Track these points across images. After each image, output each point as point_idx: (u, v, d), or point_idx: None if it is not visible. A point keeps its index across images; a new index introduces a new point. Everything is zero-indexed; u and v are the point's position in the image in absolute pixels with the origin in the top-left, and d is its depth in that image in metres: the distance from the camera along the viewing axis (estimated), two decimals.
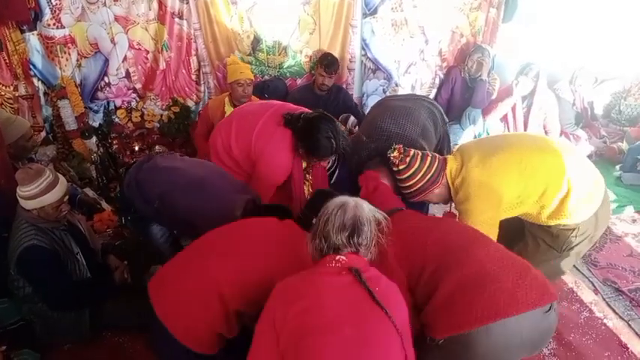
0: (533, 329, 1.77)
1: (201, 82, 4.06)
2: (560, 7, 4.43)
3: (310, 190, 3.06)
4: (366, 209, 1.72)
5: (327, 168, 3.09)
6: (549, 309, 1.79)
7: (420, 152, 2.49)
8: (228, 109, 3.51)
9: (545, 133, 4.15)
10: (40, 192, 2.30)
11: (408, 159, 2.44)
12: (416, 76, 4.57)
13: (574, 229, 2.40)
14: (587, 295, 3.02)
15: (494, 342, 1.72)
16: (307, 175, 3.05)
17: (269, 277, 1.81)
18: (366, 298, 1.57)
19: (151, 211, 2.61)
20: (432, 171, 2.45)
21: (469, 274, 1.79)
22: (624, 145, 4.35)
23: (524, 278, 1.78)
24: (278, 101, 3.05)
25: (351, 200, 1.73)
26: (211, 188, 2.51)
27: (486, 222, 2.33)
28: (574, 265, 3.23)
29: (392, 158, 2.45)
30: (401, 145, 2.49)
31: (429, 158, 2.47)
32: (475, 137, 4.33)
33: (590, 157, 4.30)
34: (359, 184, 2.59)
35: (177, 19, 3.76)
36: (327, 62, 3.94)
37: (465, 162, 2.43)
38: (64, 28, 3.55)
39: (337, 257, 1.66)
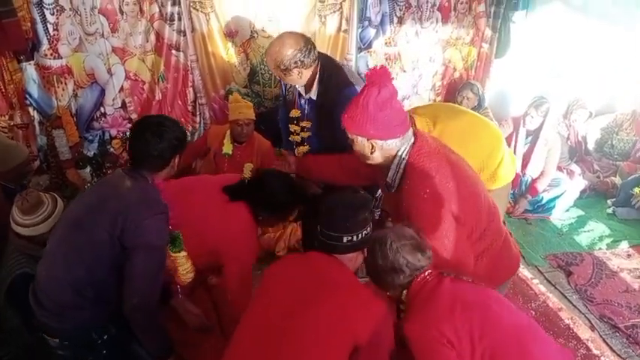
0: None
1: (197, 112, 4.07)
2: (552, 43, 4.52)
3: None
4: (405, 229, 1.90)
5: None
6: None
7: None
8: (227, 145, 3.54)
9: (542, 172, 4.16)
10: (39, 222, 2.32)
11: None
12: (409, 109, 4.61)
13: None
14: (583, 331, 2.99)
15: None
16: None
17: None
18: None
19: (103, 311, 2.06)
20: None
21: (501, 245, 2.18)
22: (617, 180, 4.38)
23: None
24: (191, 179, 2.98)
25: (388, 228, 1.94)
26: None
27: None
28: (571, 302, 3.23)
29: None
30: None
31: None
32: None
33: (584, 191, 4.33)
34: None
35: (174, 51, 3.79)
36: None
37: (435, 119, 2.69)
38: (61, 58, 3.56)
39: (424, 275, 1.86)
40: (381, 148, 1.94)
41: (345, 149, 2.43)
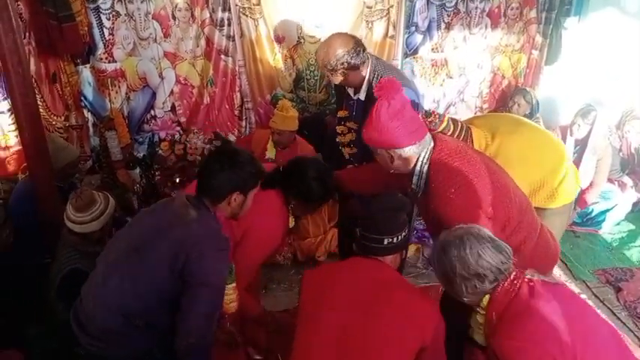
0: None
1: (243, 117, 4.13)
2: (605, 50, 4.38)
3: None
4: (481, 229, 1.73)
5: None
6: None
7: (451, 118, 2.62)
8: (270, 149, 3.59)
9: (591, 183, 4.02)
10: (91, 219, 2.41)
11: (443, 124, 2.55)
12: (455, 116, 4.56)
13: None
14: (633, 350, 2.88)
15: None
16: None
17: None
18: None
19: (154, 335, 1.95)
20: (462, 137, 2.53)
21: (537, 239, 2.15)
22: None
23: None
24: None
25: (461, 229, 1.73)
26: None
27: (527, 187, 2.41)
28: (619, 319, 3.13)
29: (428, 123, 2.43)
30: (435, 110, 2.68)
31: (459, 123, 2.59)
32: None
33: (636, 204, 4.18)
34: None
35: (223, 56, 3.86)
36: None
37: (494, 133, 2.59)
38: (116, 62, 3.71)
39: (510, 280, 1.66)
40: (400, 156, 2.00)
41: None
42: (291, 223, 2.47)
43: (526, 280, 1.66)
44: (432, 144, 2.03)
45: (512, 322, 1.61)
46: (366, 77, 2.74)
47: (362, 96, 2.80)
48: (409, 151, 1.98)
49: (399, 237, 1.92)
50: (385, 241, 1.89)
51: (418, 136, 1.98)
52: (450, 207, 1.96)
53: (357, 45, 2.67)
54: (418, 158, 2.01)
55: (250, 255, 2.28)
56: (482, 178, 1.98)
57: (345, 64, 2.63)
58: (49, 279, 2.46)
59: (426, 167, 2.01)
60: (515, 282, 1.66)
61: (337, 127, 3.00)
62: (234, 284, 2.17)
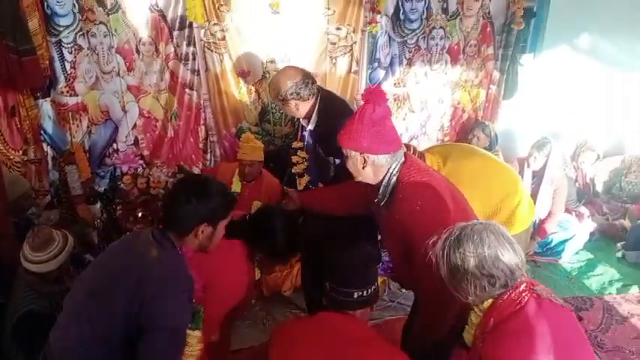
0: None
1: (208, 150, 4.10)
2: (560, 85, 4.57)
3: None
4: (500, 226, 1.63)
5: None
6: None
7: (404, 143, 2.76)
8: (236, 183, 3.55)
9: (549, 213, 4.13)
10: (49, 258, 2.36)
11: None
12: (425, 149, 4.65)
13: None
14: None
15: None
16: None
17: None
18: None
19: None
20: None
21: None
22: (627, 223, 4.36)
23: None
24: None
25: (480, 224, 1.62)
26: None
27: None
28: None
29: None
30: None
31: (412, 147, 2.71)
32: None
33: (592, 234, 4.30)
34: None
35: (187, 90, 3.85)
36: None
37: (446, 158, 2.75)
38: (77, 95, 3.64)
39: (519, 292, 1.57)
40: (373, 163, 2.04)
41: (341, 179, 2.55)
42: (257, 275, 2.40)
43: (535, 295, 1.57)
44: (403, 160, 2.09)
45: (508, 334, 1.54)
46: (315, 108, 2.88)
47: (311, 126, 2.93)
48: (383, 159, 2.02)
49: (369, 290, 1.89)
50: (355, 295, 1.86)
51: (393, 148, 2.04)
52: (416, 218, 1.99)
53: (306, 77, 2.83)
54: (388, 170, 2.05)
55: (210, 312, 2.12)
56: (446, 195, 2.04)
57: (295, 94, 2.79)
58: (5, 319, 2.37)
59: (394, 179, 2.05)
60: (524, 294, 1.56)
61: (292, 158, 3.13)
62: (198, 333, 2.01)
